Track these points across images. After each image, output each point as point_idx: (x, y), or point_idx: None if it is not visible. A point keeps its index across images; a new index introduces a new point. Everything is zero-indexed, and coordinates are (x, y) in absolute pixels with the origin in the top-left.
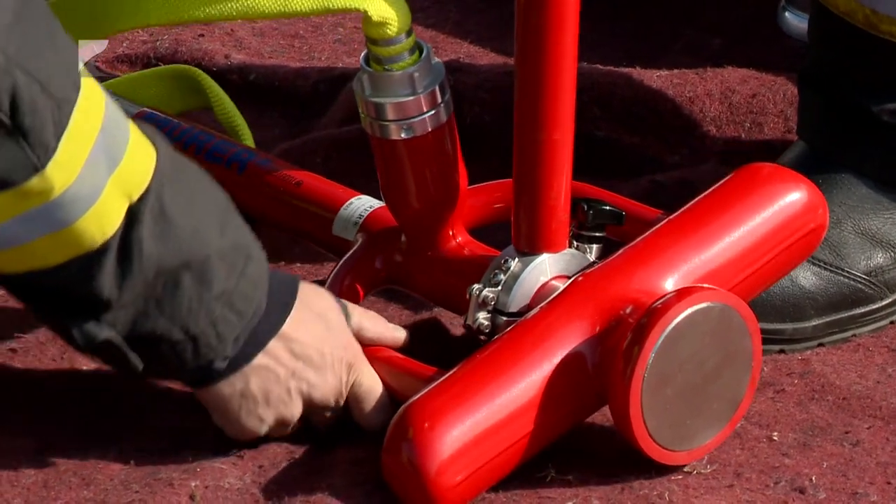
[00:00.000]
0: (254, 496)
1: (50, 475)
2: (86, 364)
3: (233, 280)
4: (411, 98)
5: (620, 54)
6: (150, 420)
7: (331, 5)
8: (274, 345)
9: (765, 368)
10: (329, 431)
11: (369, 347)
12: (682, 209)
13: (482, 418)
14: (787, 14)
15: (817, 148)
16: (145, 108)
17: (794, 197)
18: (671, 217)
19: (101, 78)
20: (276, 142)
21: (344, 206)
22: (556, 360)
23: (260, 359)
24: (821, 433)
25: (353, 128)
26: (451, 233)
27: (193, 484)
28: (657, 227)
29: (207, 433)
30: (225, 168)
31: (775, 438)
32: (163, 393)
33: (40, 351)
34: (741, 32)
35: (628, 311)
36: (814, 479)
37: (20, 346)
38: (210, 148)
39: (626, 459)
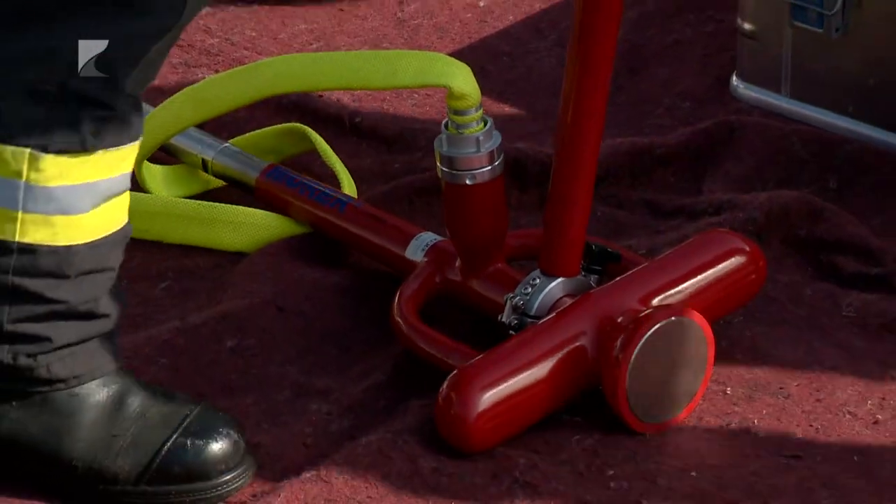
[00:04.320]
0: (351, 434)
1: None
2: (228, 342)
3: None
4: (476, 155)
5: (621, 116)
6: (275, 380)
7: (426, 81)
8: None
9: (723, 343)
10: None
11: (436, 335)
12: (658, 257)
13: (509, 384)
14: (737, 84)
15: None
16: (272, 164)
17: (741, 253)
18: (650, 261)
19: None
20: (368, 168)
21: (415, 237)
22: (567, 349)
23: None
24: (761, 389)
25: (427, 177)
26: (493, 259)
27: (307, 430)
28: (643, 266)
29: (318, 389)
30: (330, 207)
31: (728, 392)
32: (282, 360)
33: (196, 335)
34: (704, 98)
35: (620, 319)
36: (756, 421)
37: (181, 331)
38: (320, 193)
39: None
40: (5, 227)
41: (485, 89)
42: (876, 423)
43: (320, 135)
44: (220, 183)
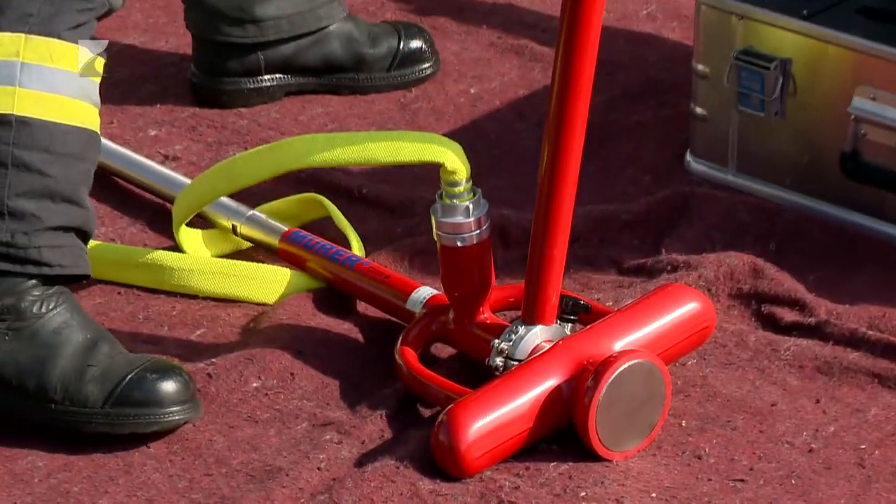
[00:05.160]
0: (360, 461)
1: (231, 446)
2: (254, 381)
3: None
4: (466, 221)
5: (591, 186)
6: (294, 414)
7: (424, 157)
8: None
9: (678, 381)
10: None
11: (439, 378)
12: (623, 308)
13: (495, 418)
14: (690, 160)
15: None
16: (292, 228)
17: (694, 305)
18: (616, 311)
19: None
20: (374, 231)
21: (414, 291)
22: (544, 388)
23: None
24: (712, 422)
25: (425, 239)
26: (481, 310)
27: (321, 456)
28: (609, 315)
29: (331, 421)
30: (341, 265)
31: (683, 425)
32: (300, 396)
33: (227, 375)
34: (663, 171)
35: (589, 362)
36: (707, 450)
37: (214, 371)
38: (334, 252)
39: None
40: (4, 101)
41: (474, 164)
42: (811, 451)
43: (333, 203)
44: (248, 244)
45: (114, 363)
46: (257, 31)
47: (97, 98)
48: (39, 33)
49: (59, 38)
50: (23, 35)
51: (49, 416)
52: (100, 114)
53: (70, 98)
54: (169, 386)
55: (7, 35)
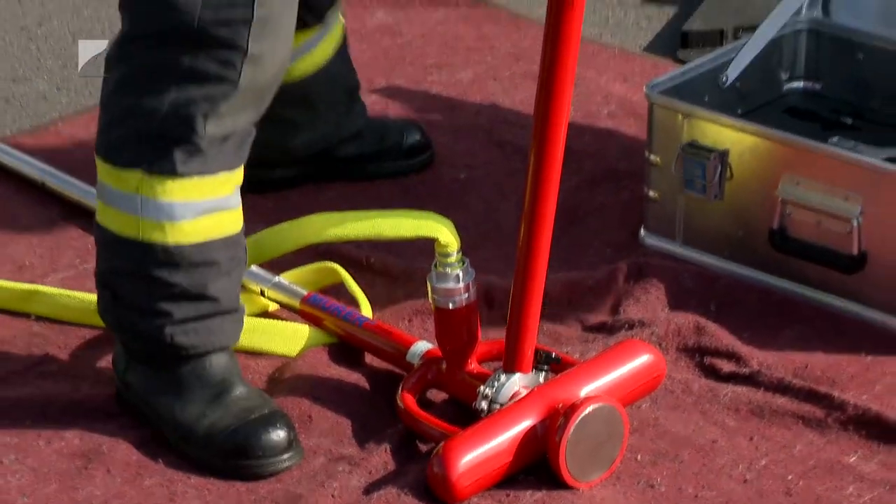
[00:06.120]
0: (367, 489)
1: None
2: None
3: None
4: (456, 286)
5: (561, 257)
6: (313, 449)
7: (421, 233)
8: None
9: (634, 422)
10: (405, 453)
11: (434, 419)
12: (588, 360)
13: (481, 453)
14: (644, 235)
15: None
16: (311, 292)
17: (648, 357)
18: (582, 363)
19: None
20: (379, 295)
21: (413, 345)
22: (522, 428)
23: None
24: (662, 456)
25: (422, 302)
26: (469, 361)
27: (335, 485)
28: (576, 366)
29: (343, 456)
30: (352, 323)
31: (638, 458)
32: (318, 434)
33: None
34: (623, 245)
35: (560, 406)
36: (659, 480)
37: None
38: (346, 313)
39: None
40: (130, 227)
41: (464, 238)
42: (745, 481)
43: (346, 271)
44: (274, 306)
45: (226, 413)
46: (286, 157)
47: (224, 203)
48: (152, 172)
49: (171, 174)
50: (140, 172)
51: (180, 449)
52: (239, 212)
53: (188, 221)
54: (267, 439)
55: (128, 172)
